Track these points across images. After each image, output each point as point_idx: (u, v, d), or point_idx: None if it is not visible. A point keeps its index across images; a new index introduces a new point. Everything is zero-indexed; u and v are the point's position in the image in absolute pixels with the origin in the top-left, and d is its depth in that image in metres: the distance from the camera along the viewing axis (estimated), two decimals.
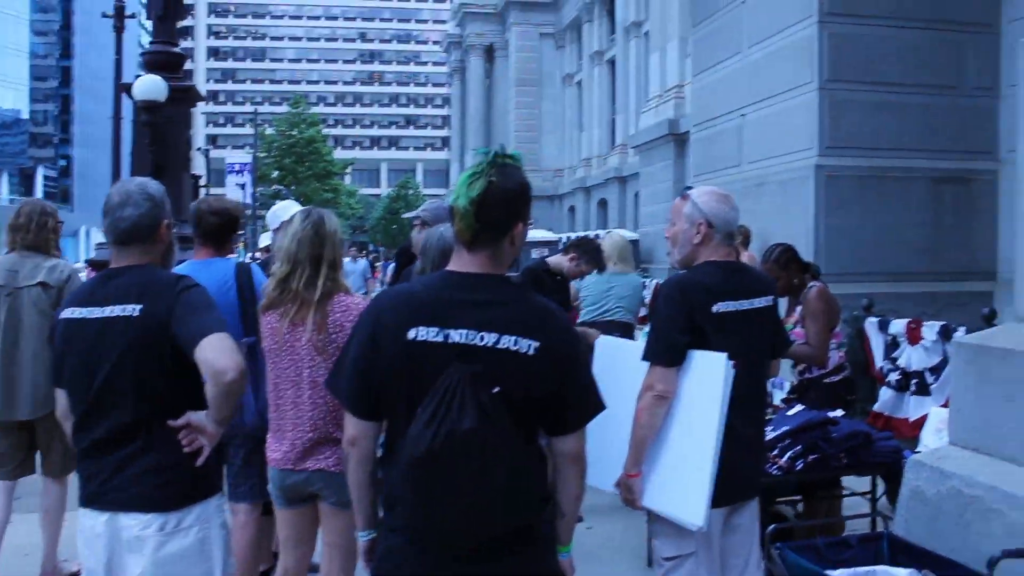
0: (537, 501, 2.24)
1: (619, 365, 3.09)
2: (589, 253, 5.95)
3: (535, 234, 27.40)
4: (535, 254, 24.86)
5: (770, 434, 3.91)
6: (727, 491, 3.00)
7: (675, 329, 2.97)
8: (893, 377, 6.32)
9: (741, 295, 3.04)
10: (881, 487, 4.37)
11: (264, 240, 9.69)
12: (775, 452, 3.82)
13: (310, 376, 3.27)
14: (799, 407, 4.19)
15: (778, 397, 4.95)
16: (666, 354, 2.97)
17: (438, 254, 3.50)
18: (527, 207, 2.27)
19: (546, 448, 2.31)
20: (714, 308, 2.97)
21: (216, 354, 2.47)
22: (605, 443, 2.85)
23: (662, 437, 3.00)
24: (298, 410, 3.30)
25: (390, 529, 2.24)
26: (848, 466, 4.04)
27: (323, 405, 3.28)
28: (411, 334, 2.16)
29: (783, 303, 5.13)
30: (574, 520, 2.41)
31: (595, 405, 2.31)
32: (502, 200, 2.19)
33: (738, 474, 3.03)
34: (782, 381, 4.98)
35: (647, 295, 17.81)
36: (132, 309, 2.57)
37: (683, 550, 3.01)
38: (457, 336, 2.14)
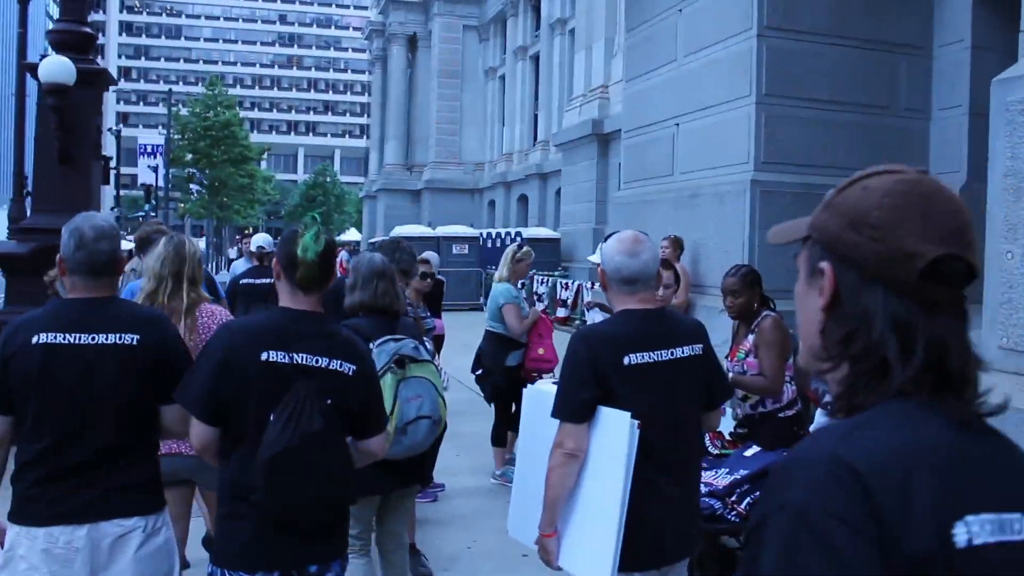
0: (350, 489, 2.81)
1: (544, 416, 2.94)
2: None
3: (455, 229, 26.95)
4: (456, 249, 24.62)
5: (727, 478, 3.78)
6: (654, 554, 2.88)
7: (579, 384, 2.83)
8: (828, 399, 6.28)
9: (659, 345, 2.89)
10: None
11: (257, 241, 9.30)
12: (733, 497, 3.68)
13: None
14: (755, 448, 4.06)
15: (725, 428, 4.82)
16: (571, 411, 2.84)
17: (370, 273, 3.97)
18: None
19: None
20: (625, 360, 2.81)
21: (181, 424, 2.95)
22: (529, 497, 2.86)
23: (575, 495, 2.86)
24: None
25: (236, 517, 2.68)
26: None
27: None
28: (264, 356, 2.67)
29: (729, 327, 5.01)
30: None
31: (383, 421, 3.00)
32: (331, 254, 2.80)
33: (666, 535, 2.90)
34: (724, 407, 4.84)
35: (568, 295, 17.79)
36: (130, 338, 2.86)
37: None
38: (299, 359, 2.69)
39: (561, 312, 17.28)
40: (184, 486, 4.10)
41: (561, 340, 6.96)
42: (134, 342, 2.84)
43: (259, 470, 2.53)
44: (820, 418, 6.27)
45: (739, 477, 3.75)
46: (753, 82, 7.99)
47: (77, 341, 2.79)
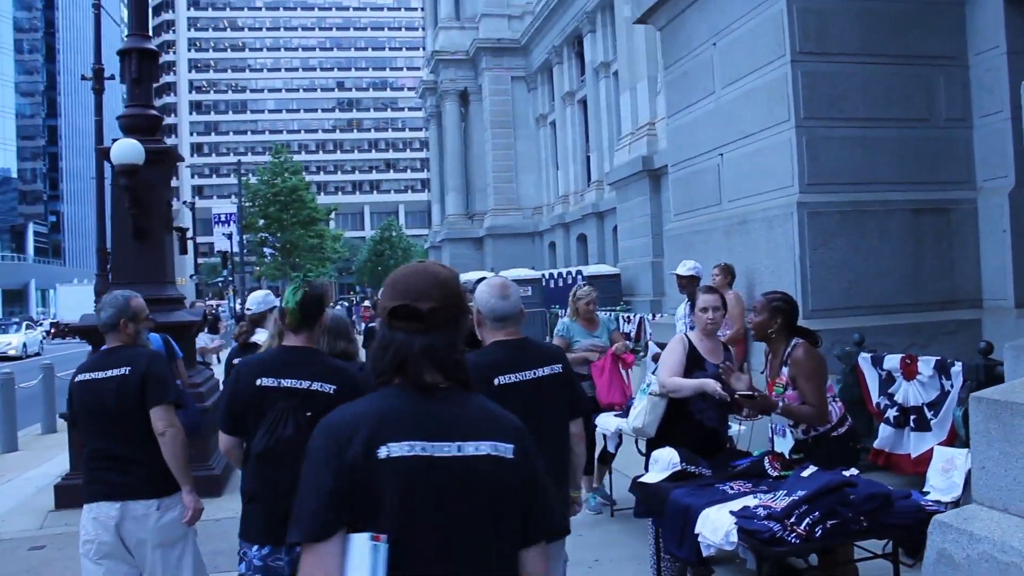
0: None
1: None
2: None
3: (518, 272, 27.20)
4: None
5: (784, 500, 3.78)
6: None
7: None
8: (891, 413, 6.26)
9: (525, 367, 3.46)
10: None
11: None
12: (792, 519, 3.67)
13: None
14: (812, 468, 4.06)
15: (783, 446, 4.79)
16: None
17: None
18: (324, 308, 3.74)
19: None
20: (496, 381, 3.36)
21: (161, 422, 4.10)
22: None
23: None
24: None
25: (247, 504, 3.62)
26: (868, 530, 3.87)
27: None
28: (258, 382, 3.56)
29: (751, 349, 5.03)
30: None
31: None
32: (312, 301, 3.67)
33: None
34: (783, 428, 4.83)
35: (631, 328, 17.75)
36: (124, 370, 4.09)
37: None
38: (287, 383, 3.54)
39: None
40: None
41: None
42: (127, 372, 4.07)
43: (249, 466, 3.56)
44: (884, 432, 6.29)
45: (797, 498, 3.69)
46: (791, 107, 8.12)
47: (95, 376, 4.11)
